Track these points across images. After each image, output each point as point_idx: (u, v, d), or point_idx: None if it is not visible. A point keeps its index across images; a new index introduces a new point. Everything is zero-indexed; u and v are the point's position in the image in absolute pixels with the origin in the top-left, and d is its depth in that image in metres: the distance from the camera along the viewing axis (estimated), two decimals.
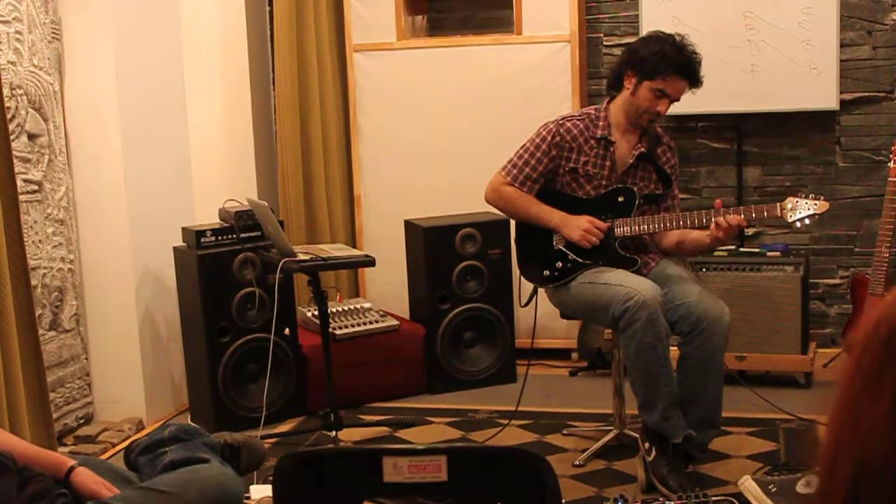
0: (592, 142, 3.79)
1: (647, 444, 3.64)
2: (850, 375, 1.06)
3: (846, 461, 1.03)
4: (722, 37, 4.90)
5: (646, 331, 3.49)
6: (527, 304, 4.04)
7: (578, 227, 3.75)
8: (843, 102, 4.95)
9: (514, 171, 3.84)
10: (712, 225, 3.61)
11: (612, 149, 3.80)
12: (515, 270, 4.88)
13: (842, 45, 4.88)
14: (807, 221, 3.60)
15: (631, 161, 3.81)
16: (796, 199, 3.61)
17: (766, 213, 3.65)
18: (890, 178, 4.51)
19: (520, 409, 4.26)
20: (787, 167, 5.18)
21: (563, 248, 3.82)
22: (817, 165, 5.14)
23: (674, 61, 3.66)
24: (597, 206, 3.79)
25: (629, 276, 3.64)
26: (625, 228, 3.76)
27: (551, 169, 3.82)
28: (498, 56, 5.12)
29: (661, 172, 3.86)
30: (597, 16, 5.31)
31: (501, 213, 4.81)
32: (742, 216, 3.59)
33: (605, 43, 5.33)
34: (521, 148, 3.86)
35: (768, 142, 5.18)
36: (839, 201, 5.07)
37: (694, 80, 3.71)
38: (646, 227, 3.75)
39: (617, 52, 5.27)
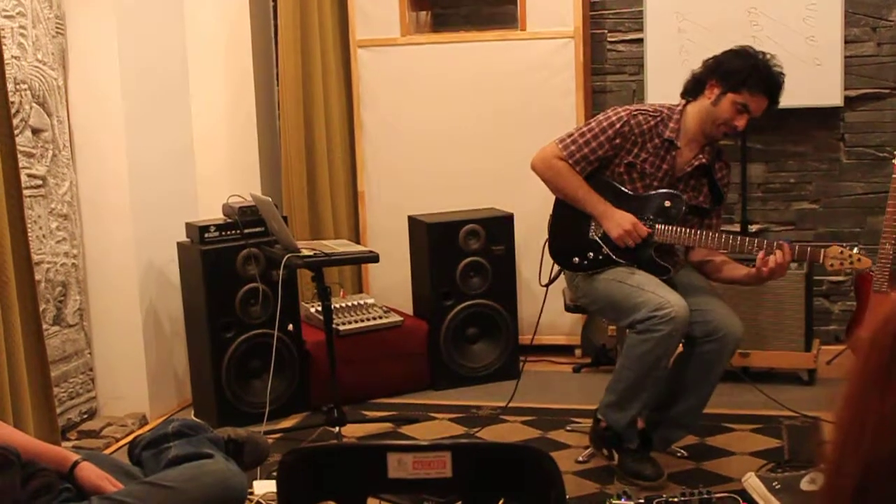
0: (657, 141, 3.68)
1: (605, 451, 3.70)
2: (858, 372, 1.06)
3: (853, 458, 1.03)
4: (726, 33, 4.88)
5: (659, 343, 3.46)
6: (548, 284, 3.92)
7: (620, 224, 3.63)
8: (847, 99, 4.94)
9: (573, 148, 3.67)
10: (760, 264, 3.54)
11: (674, 153, 3.69)
12: (520, 266, 4.92)
13: (846, 42, 4.87)
14: (842, 275, 3.56)
15: (689, 170, 3.71)
16: (841, 248, 3.53)
17: (808, 258, 3.57)
18: (894, 175, 4.50)
19: (523, 405, 4.26)
20: (792, 164, 5.17)
21: (599, 240, 3.72)
22: (821, 162, 5.13)
23: (763, 78, 3.59)
24: (642, 205, 3.68)
25: (662, 286, 3.57)
26: (666, 236, 3.64)
27: (609, 157, 3.68)
28: (502, 52, 5.12)
29: (713, 187, 3.76)
30: (601, 12, 5.30)
31: (504, 210, 4.85)
32: (789, 252, 3.51)
33: (609, 39, 5.32)
34: (585, 126, 3.72)
35: (772, 138, 5.17)
36: (843, 198, 5.07)
37: (774, 101, 3.65)
38: (687, 238, 3.64)
39: (622, 48, 5.28)
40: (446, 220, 4.87)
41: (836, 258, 3.50)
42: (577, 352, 5.18)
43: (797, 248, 3.56)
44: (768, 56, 3.66)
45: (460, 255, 4.82)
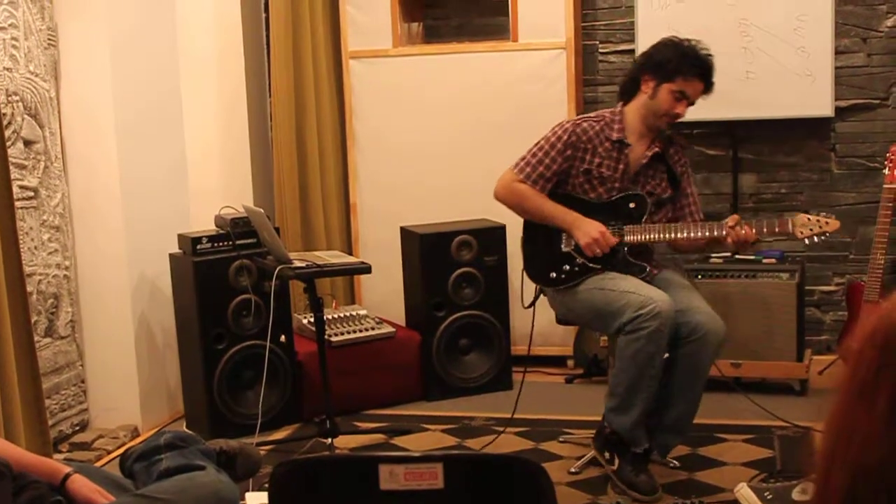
0: (608, 144, 3.77)
1: (606, 454, 3.68)
2: (846, 382, 1.07)
3: (842, 467, 1.03)
4: (717, 44, 4.84)
5: (649, 340, 3.49)
6: (530, 306, 4.01)
7: (588, 233, 3.71)
8: (838, 109, 4.96)
9: (528, 169, 3.79)
10: (727, 232, 3.64)
11: (626, 151, 3.78)
12: (511, 277, 4.91)
13: (837, 53, 4.90)
14: (815, 240, 3.62)
15: (644, 161, 3.80)
16: (807, 216, 3.64)
17: (777, 229, 3.68)
18: (885, 185, 4.52)
19: (515, 416, 4.26)
20: (783, 174, 5.18)
21: (572, 252, 3.79)
22: (812, 172, 5.15)
23: (694, 63, 3.69)
24: (607, 211, 3.77)
25: (643, 285, 3.63)
26: (635, 236, 3.74)
27: (564, 169, 3.78)
28: (494, 63, 5.13)
29: (671, 173, 3.85)
30: (593, 23, 5.32)
31: (496, 221, 4.85)
32: (754, 231, 3.62)
33: (600, 50, 5.34)
34: (535, 146, 3.82)
35: (763, 149, 5.19)
36: (834, 208, 5.07)
37: (709, 83, 3.74)
38: (656, 235, 3.74)
39: (613, 58, 5.29)
40: (438, 231, 4.87)
41: (805, 225, 3.62)
42: (570, 363, 5.18)
43: (765, 223, 3.68)
44: (693, 41, 3.76)
45: (452, 265, 4.83)
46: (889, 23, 4.98)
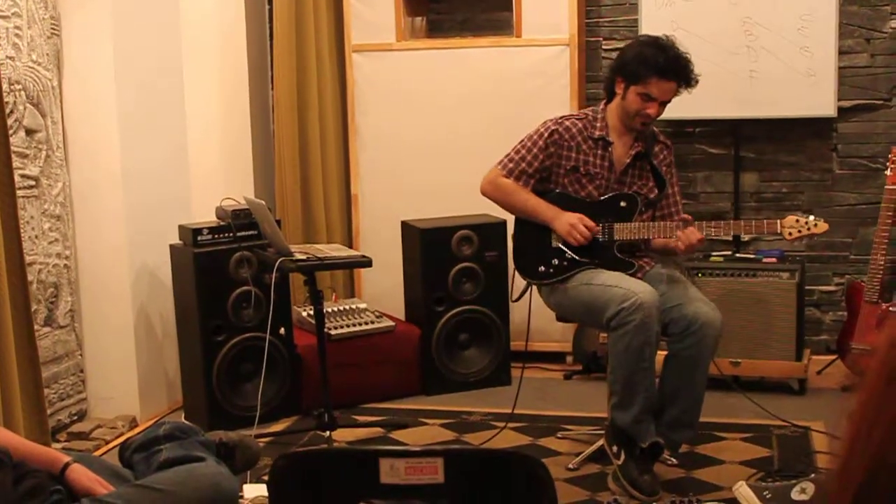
0: (591, 142, 3.82)
1: (614, 448, 3.67)
2: (873, 374, 1.07)
3: (861, 459, 1.04)
4: (721, 42, 4.91)
5: (636, 333, 3.51)
6: (517, 300, 4.06)
7: (567, 222, 3.77)
8: (840, 110, 4.96)
9: (511, 166, 3.86)
10: (673, 239, 3.73)
11: (609, 149, 3.82)
12: (511, 272, 4.91)
13: (840, 53, 4.89)
14: (803, 241, 3.67)
15: (628, 161, 3.84)
16: (796, 217, 3.66)
17: (766, 229, 3.72)
18: (886, 186, 4.53)
19: (515, 412, 4.26)
20: (784, 173, 5.18)
21: (561, 246, 3.84)
22: (814, 172, 5.15)
23: (652, 64, 3.67)
24: (599, 210, 3.81)
25: (626, 279, 3.67)
26: (624, 233, 3.78)
27: (547, 166, 3.84)
28: (497, 58, 5.13)
29: (656, 172, 3.89)
30: (596, 20, 5.32)
31: (497, 217, 4.84)
32: (702, 234, 3.67)
33: (604, 47, 5.33)
34: (519, 143, 3.90)
35: (765, 148, 5.19)
36: (835, 208, 5.08)
37: (681, 80, 3.72)
38: (645, 232, 3.79)
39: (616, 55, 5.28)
40: (439, 226, 4.87)
41: (793, 226, 3.66)
42: (569, 359, 5.19)
43: (754, 223, 3.77)
44: (662, 39, 3.75)
45: (453, 260, 4.83)
46: (893, 24, 4.98)
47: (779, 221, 3.67)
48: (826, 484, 1.09)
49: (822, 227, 3.65)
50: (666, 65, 3.67)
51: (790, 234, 3.65)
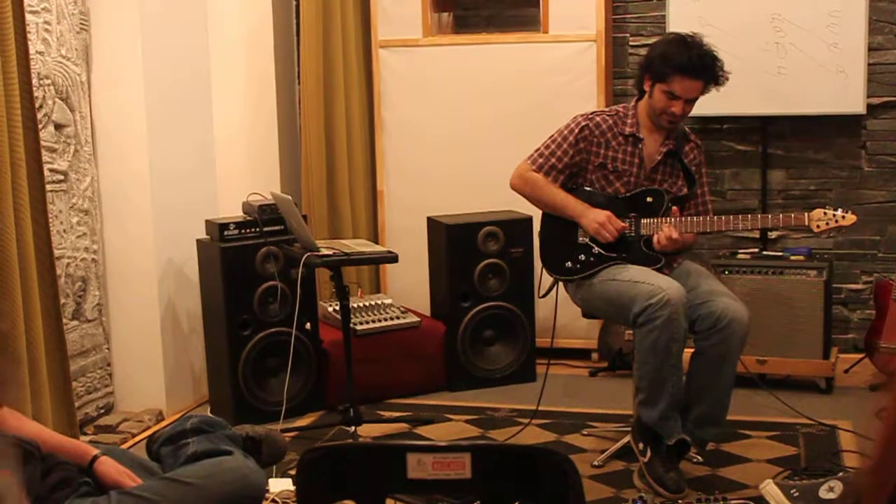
0: (620, 138, 3.82)
1: (640, 445, 3.66)
2: None
3: None
4: (749, 38, 4.88)
5: (663, 329, 3.50)
6: (545, 296, 4.07)
7: (595, 219, 3.78)
8: (870, 107, 4.92)
9: (541, 160, 3.86)
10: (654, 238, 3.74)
11: (640, 146, 3.82)
12: (537, 269, 4.90)
13: (870, 49, 4.85)
14: (832, 234, 3.66)
15: (659, 158, 3.84)
16: (824, 210, 3.64)
17: (794, 222, 3.72)
18: None
19: (539, 408, 4.25)
20: (812, 171, 5.15)
21: (589, 241, 3.84)
22: (842, 170, 5.11)
23: (676, 62, 3.67)
24: (626, 205, 3.82)
25: (654, 274, 3.65)
26: (652, 228, 3.77)
27: (577, 162, 3.84)
28: (523, 54, 5.12)
29: (687, 170, 3.88)
30: (623, 16, 5.30)
31: (523, 213, 4.84)
32: (676, 233, 3.69)
33: (631, 43, 5.31)
34: (549, 138, 3.89)
35: (794, 145, 5.16)
36: (864, 206, 5.04)
37: (706, 78, 3.71)
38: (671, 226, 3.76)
39: (643, 52, 5.25)
40: (465, 222, 4.87)
41: (821, 219, 3.66)
42: (594, 356, 5.17)
43: (782, 216, 3.77)
44: (688, 37, 3.73)
45: (479, 256, 4.82)
46: None
47: (806, 214, 3.67)
48: (860, 482, 1.08)
49: (851, 218, 3.64)
50: (689, 63, 3.66)
51: (818, 226, 3.64)
